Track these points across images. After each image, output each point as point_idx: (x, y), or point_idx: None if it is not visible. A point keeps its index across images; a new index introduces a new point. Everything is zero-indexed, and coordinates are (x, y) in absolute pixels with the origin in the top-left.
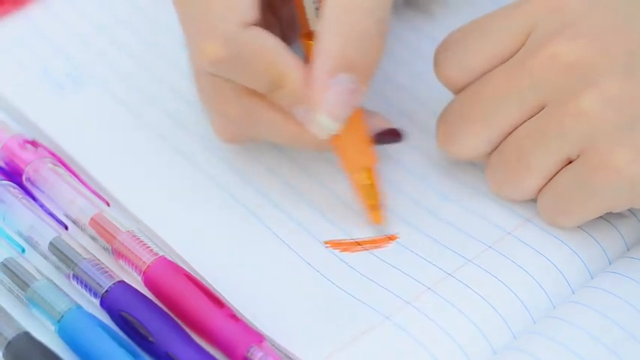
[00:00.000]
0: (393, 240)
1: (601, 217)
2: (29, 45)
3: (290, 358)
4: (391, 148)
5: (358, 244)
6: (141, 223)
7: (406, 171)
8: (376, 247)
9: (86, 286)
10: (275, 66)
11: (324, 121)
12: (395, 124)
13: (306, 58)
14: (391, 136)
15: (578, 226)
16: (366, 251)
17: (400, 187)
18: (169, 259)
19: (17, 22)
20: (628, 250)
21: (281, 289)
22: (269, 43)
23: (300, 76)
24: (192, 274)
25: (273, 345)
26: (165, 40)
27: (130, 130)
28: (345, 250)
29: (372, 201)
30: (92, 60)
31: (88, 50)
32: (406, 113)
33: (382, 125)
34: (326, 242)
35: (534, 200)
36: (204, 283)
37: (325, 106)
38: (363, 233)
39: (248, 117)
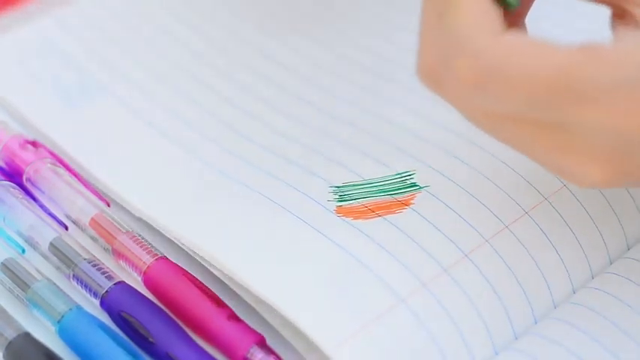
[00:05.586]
0: (407, 205)
1: (607, 210)
2: (40, 55)
3: (292, 356)
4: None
5: (371, 210)
6: (142, 222)
7: (422, 139)
8: (390, 212)
9: (86, 286)
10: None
11: None
12: None
13: None
14: None
15: (587, 221)
16: (380, 217)
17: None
18: (169, 259)
19: (28, 32)
20: (628, 248)
21: (297, 265)
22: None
23: None
24: (197, 266)
25: (281, 338)
26: (175, 49)
27: (132, 132)
28: (357, 217)
29: None
30: (102, 70)
31: (98, 60)
32: None
33: None
34: (337, 210)
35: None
36: (214, 274)
37: None
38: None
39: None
